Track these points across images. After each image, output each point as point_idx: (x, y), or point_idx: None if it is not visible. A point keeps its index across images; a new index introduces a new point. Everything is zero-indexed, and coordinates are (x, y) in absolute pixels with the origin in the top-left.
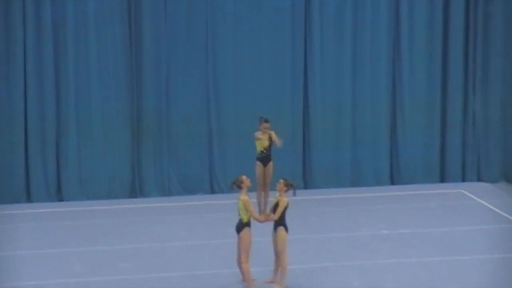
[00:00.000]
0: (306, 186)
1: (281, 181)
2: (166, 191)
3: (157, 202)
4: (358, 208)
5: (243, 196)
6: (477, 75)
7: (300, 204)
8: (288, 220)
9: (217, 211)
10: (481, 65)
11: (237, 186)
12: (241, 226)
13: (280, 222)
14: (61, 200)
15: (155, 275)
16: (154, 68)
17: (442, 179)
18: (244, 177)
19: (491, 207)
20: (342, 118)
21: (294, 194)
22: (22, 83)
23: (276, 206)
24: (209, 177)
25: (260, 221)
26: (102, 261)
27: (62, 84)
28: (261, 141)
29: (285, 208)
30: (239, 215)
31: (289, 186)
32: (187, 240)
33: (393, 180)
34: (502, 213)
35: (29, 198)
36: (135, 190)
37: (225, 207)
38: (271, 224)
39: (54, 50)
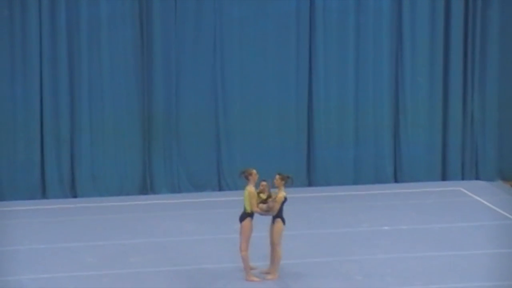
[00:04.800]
0: (309, 184)
1: (277, 176)
2: (175, 188)
3: (166, 199)
4: (360, 205)
5: (250, 187)
6: (475, 78)
7: (304, 201)
8: (292, 216)
9: (224, 207)
10: (479, 68)
11: (245, 177)
12: (244, 215)
13: (278, 215)
14: (75, 196)
15: (164, 269)
16: (164, 69)
17: (444, 177)
18: (254, 170)
19: (488, 204)
20: (346, 118)
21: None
22: (37, 84)
23: (270, 198)
24: (217, 174)
25: (259, 213)
26: (113, 255)
27: (76, 85)
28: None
29: (283, 202)
30: (244, 205)
31: (285, 179)
32: (195, 235)
33: (397, 178)
34: (498, 210)
35: (44, 194)
36: (146, 187)
37: (232, 203)
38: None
39: (68, 52)
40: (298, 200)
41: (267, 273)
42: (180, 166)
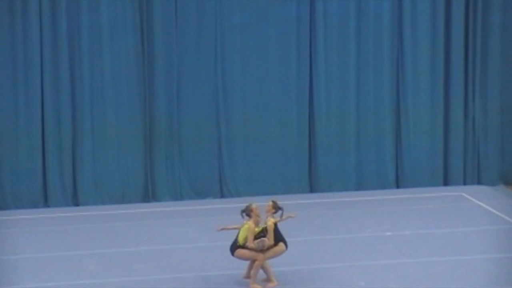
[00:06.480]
0: (311, 190)
1: (270, 202)
2: (177, 195)
3: (169, 206)
4: (362, 210)
5: (251, 223)
6: (477, 83)
7: (306, 207)
8: (294, 222)
9: (227, 214)
10: (480, 73)
11: (247, 214)
12: (234, 247)
13: (279, 239)
14: (77, 204)
15: (167, 276)
16: (165, 76)
17: (446, 182)
18: (253, 206)
19: (490, 209)
20: (347, 123)
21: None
22: (39, 92)
23: (265, 230)
24: (219, 181)
25: (252, 249)
26: (116, 263)
27: (78, 92)
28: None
29: (275, 229)
30: (237, 236)
31: (277, 209)
32: (198, 242)
33: (399, 184)
34: (501, 214)
35: (46, 202)
36: (148, 194)
37: (234, 210)
38: None
39: (70, 60)
40: (300, 206)
41: (269, 280)
42: (182, 173)
